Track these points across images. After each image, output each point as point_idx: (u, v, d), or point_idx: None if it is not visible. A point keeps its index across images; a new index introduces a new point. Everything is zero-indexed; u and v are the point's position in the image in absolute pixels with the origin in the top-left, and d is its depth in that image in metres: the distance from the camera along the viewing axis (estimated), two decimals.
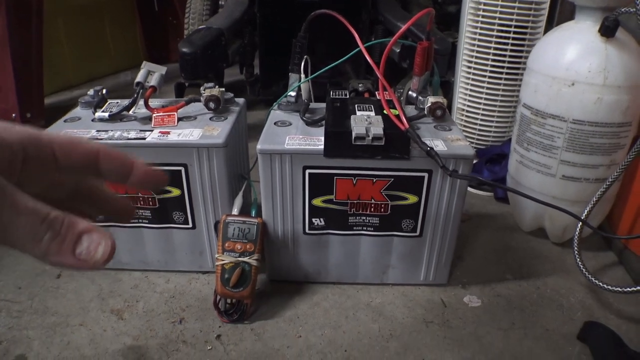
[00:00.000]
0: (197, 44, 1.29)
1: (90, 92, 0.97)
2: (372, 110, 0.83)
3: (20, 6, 1.47)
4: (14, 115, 1.52)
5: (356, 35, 0.79)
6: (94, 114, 0.90)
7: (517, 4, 1.13)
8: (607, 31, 0.85)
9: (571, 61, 0.88)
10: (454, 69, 1.32)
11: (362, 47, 0.79)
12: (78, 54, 2.13)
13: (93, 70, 2.18)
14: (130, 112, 0.91)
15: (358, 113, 0.81)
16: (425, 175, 0.79)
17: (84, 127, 0.87)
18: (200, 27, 1.44)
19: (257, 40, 1.67)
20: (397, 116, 0.77)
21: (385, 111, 0.79)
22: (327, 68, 0.86)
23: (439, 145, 0.78)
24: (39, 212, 0.22)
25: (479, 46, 1.20)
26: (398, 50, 1.34)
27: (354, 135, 0.74)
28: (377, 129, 0.74)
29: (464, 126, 1.32)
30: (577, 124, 0.89)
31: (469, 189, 1.27)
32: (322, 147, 0.77)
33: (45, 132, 0.26)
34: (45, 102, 1.76)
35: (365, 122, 0.76)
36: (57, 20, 1.99)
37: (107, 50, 2.29)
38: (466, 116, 1.30)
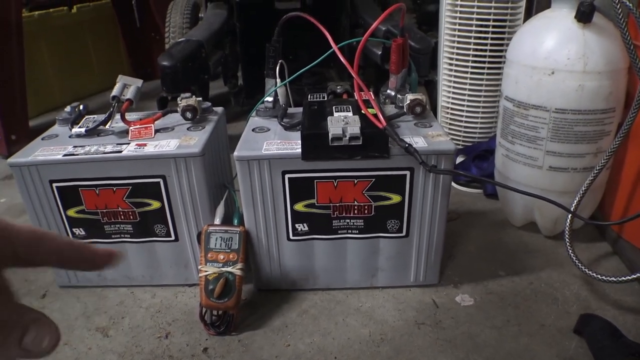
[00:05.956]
0: (177, 56, 1.28)
1: (68, 109, 0.96)
2: (349, 111, 0.82)
3: None
4: None
5: (328, 35, 0.78)
6: (70, 130, 0.89)
7: None
8: (584, 16, 0.84)
9: (550, 50, 0.87)
10: (436, 68, 1.31)
11: (335, 47, 0.78)
12: (63, 75, 2.12)
13: (79, 90, 2.17)
14: (107, 127, 0.90)
15: (335, 114, 0.80)
16: (407, 173, 0.77)
17: (61, 144, 0.85)
18: (180, 39, 1.43)
19: (239, 50, 1.66)
20: (375, 115, 0.76)
21: (362, 111, 0.78)
22: (302, 71, 0.85)
23: (419, 142, 0.77)
24: None
25: (459, 42, 1.19)
26: (380, 53, 1.33)
27: (330, 136, 0.73)
28: (354, 128, 0.73)
29: (450, 124, 1.30)
30: (560, 113, 0.88)
31: (458, 187, 1.25)
32: (300, 150, 0.76)
33: (11, 224, 0.25)
34: (32, 124, 1.75)
35: (342, 123, 0.75)
36: (39, 43, 1.99)
37: (91, 69, 2.29)
38: (451, 114, 1.29)
